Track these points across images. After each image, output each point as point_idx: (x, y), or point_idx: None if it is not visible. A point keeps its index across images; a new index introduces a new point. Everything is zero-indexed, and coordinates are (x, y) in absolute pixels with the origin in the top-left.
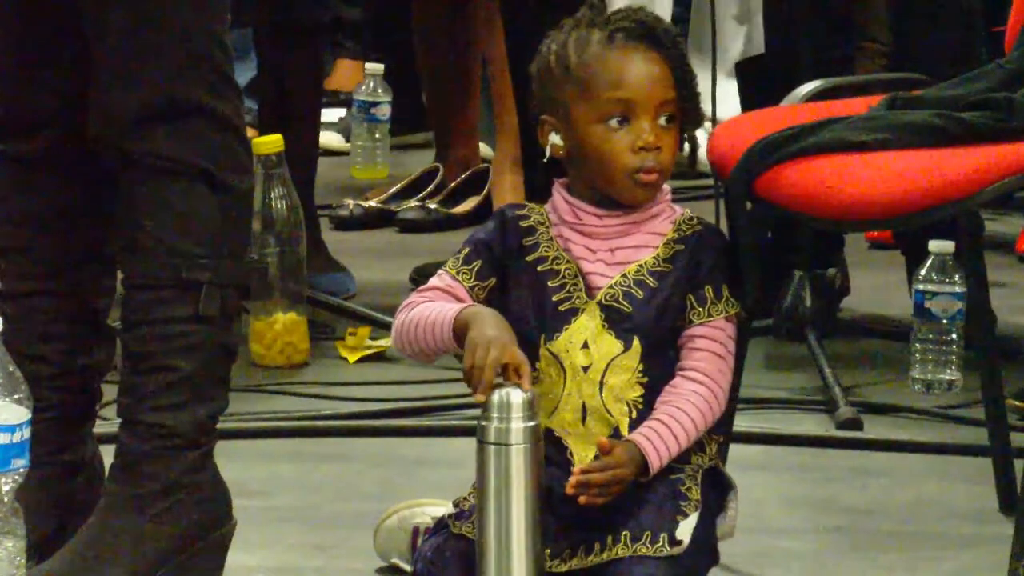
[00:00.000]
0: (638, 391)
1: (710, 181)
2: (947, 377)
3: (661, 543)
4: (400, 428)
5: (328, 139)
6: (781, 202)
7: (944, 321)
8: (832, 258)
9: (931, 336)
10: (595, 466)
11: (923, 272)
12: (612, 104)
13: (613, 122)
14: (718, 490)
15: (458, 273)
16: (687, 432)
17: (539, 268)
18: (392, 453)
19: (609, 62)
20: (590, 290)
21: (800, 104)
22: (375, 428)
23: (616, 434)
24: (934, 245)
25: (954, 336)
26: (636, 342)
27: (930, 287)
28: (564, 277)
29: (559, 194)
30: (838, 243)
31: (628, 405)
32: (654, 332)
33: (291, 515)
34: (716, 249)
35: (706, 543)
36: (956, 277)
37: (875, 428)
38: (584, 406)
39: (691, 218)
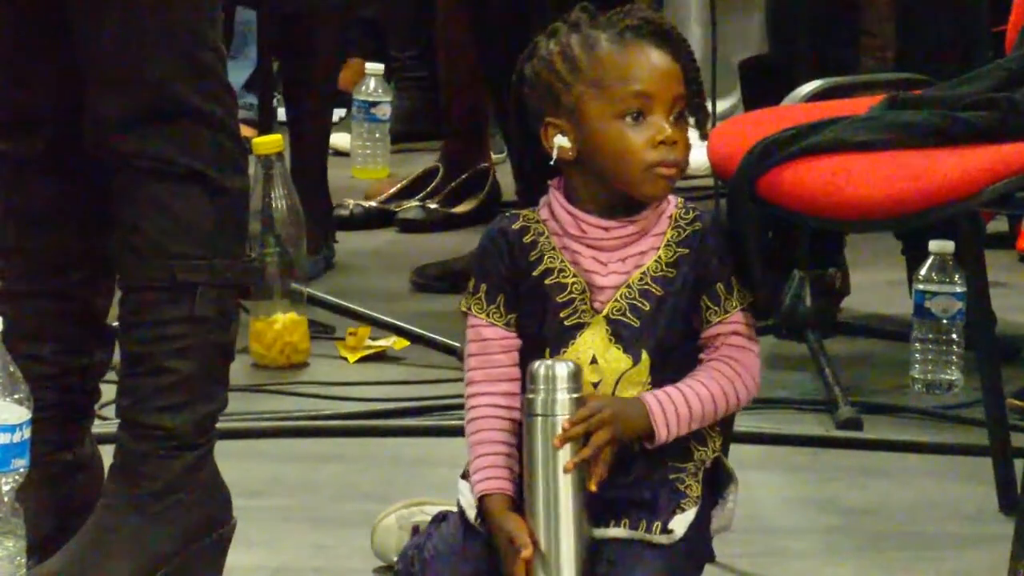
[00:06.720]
0: None
1: (710, 181)
2: (947, 377)
3: (654, 531)
4: (400, 428)
5: (336, 140)
6: (782, 202)
7: (944, 321)
8: (832, 258)
9: (931, 336)
10: (572, 420)
11: (923, 272)
12: (629, 99)
13: (629, 118)
14: (716, 484)
15: (489, 315)
16: (702, 403)
17: (546, 281)
18: (392, 453)
19: (623, 58)
20: (596, 303)
21: (800, 104)
22: (375, 428)
23: (628, 450)
24: (934, 245)
25: (954, 336)
26: (645, 356)
27: (930, 287)
28: (572, 292)
29: (558, 203)
30: (838, 243)
31: None
32: (663, 343)
33: (291, 515)
34: (720, 244)
35: (701, 539)
36: (956, 277)
37: (875, 428)
38: None
39: (687, 210)
